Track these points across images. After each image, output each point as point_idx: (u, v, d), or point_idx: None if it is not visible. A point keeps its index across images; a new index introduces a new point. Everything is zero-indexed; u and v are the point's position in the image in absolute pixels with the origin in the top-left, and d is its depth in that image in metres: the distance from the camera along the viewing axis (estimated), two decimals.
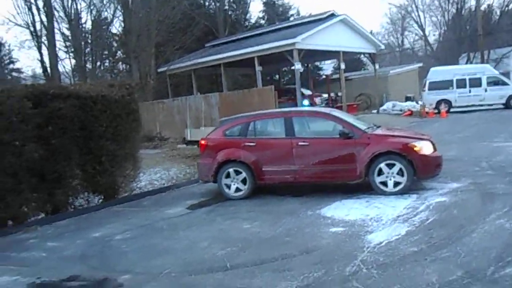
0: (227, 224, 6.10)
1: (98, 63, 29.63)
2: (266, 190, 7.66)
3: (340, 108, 20.69)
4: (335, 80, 25.23)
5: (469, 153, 9.99)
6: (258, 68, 18.59)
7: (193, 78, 22.14)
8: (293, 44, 17.13)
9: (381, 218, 5.58)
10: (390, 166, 6.72)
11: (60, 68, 26.91)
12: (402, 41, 59.83)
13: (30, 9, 23.43)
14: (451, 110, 22.17)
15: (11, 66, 39.14)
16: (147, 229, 6.18)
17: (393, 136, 7.04)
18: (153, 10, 22.73)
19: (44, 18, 23.55)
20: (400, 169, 6.68)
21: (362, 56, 29.87)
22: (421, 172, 6.68)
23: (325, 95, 23.51)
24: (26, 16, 23.60)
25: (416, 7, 48.54)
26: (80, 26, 27.04)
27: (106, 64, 31.05)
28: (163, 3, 23.35)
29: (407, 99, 26.24)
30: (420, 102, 23.71)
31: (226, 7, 33.00)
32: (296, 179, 7.21)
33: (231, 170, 7.47)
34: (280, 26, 22.36)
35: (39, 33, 23.55)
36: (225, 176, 7.51)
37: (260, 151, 7.33)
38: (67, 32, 25.76)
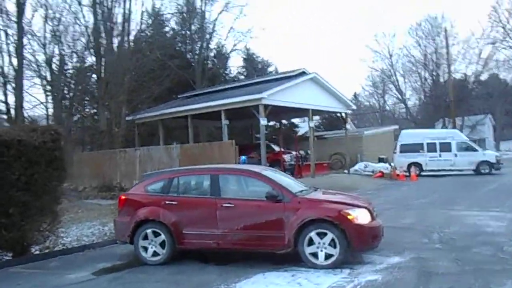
0: None
1: (79, 108, 29.14)
2: (191, 255, 6.79)
3: (308, 166, 20.16)
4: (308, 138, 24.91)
5: (425, 221, 9.33)
6: (224, 122, 18.14)
7: (160, 129, 21.56)
8: (260, 99, 16.82)
9: None
10: (322, 235, 5.99)
11: (38, 111, 26.28)
12: (384, 103, 61.14)
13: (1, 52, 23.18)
14: (422, 173, 21.85)
15: None
16: None
17: (326, 201, 6.35)
18: (125, 59, 22.62)
19: (15, 62, 23.25)
20: (332, 239, 5.93)
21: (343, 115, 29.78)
22: (355, 243, 5.94)
23: (298, 152, 23.01)
24: None
25: (395, 72, 49.95)
26: (64, 72, 26.76)
27: (87, 110, 30.57)
28: (135, 52, 23.30)
29: (380, 160, 25.94)
30: (392, 164, 23.39)
31: (207, 60, 33.25)
32: (219, 245, 6.38)
33: (149, 231, 6.63)
34: (251, 81, 22.26)
35: (5, 75, 23.13)
36: (143, 237, 6.66)
37: (181, 211, 6.55)
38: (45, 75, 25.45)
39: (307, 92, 19.40)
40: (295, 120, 34.08)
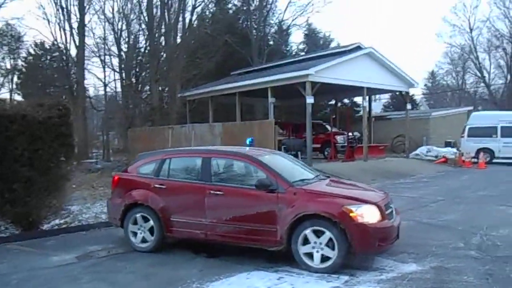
0: None
1: (148, 86, 29.84)
2: (185, 244, 6.25)
3: (361, 149, 18.75)
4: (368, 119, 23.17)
5: (471, 220, 7.95)
6: (270, 100, 17.29)
7: (209, 106, 21.27)
8: (306, 76, 15.69)
9: None
10: (319, 234, 5.09)
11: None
12: (463, 83, 56.05)
13: (64, 30, 24.16)
14: (494, 160, 19.45)
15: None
16: None
17: (326, 194, 5.38)
18: (184, 36, 22.46)
19: (76, 38, 24.12)
20: (330, 239, 5.02)
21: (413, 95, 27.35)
22: (357, 246, 4.97)
23: (352, 134, 21.56)
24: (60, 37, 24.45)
25: (475, 48, 45.17)
26: (136, 50, 27.39)
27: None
28: (193, 28, 23.01)
29: (447, 144, 23.63)
30: (460, 149, 21.14)
31: (266, 36, 32.29)
32: (206, 236, 5.73)
33: (138, 215, 6.16)
34: (303, 58, 21.06)
35: (68, 51, 24.13)
36: (132, 222, 6.21)
37: (170, 196, 5.98)
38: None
39: (362, 68, 17.83)
40: (358, 99, 32.15)
